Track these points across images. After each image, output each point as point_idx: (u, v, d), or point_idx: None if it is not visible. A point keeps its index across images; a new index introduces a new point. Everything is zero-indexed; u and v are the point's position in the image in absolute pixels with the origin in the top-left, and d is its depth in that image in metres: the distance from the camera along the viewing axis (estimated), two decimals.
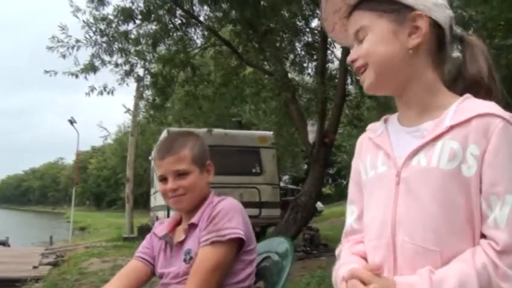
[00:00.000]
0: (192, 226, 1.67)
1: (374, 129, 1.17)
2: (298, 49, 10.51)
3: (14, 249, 13.18)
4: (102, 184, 54.23)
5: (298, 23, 10.02)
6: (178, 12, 9.07)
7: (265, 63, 9.91)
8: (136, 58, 9.08)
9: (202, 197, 1.71)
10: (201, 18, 9.33)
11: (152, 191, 13.87)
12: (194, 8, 9.17)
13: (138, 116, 13.80)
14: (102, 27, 8.63)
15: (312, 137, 9.08)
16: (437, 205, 0.96)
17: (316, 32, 10.21)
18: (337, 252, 1.22)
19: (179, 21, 9.17)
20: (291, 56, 10.48)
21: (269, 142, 11.38)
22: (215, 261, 1.56)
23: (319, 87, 8.80)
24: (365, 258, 1.10)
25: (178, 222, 1.79)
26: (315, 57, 10.20)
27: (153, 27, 8.97)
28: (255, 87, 10.44)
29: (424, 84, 1.05)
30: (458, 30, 1.09)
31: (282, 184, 17.10)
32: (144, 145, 23.79)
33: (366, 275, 0.96)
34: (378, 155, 1.10)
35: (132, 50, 8.97)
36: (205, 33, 9.59)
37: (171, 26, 9.05)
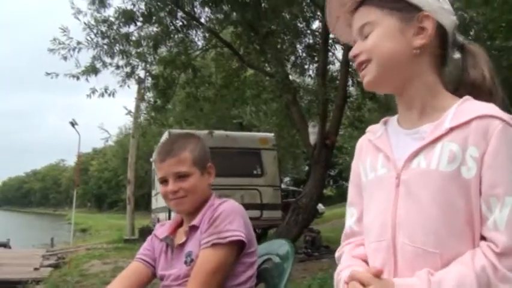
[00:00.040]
0: (193, 228, 1.67)
1: (374, 131, 1.17)
2: (299, 51, 10.53)
3: (15, 251, 13.16)
4: (103, 186, 54.24)
5: (299, 24, 10.03)
6: (180, 14, 9.07)
7: (266, 65, 9.92)
8: (137, 60, 9.08)
9: (204, 199, 1.71)
10: (202, 20, 9.35)
11: (153, 192, 13.87)
12: (195, 10, 9.17)
13: (139, 117, 13.79)
14: (104, 29, 8.64)
15: (313, 138, 9.07)
16: (437, 207, 0.96)
17: (317, 33, 10.22)
18: (337, 255, 1.22)
19: (180, 23, 9.18)
20: (292, 58, 10.48)
21: (270, 144, 11.38)
22: (216, 263, 1.55)
23: (320, 89, 8.79)
24: (366, 261, 1.10)
25: (180, 224, 1.79)
26: (316, 59, 10.20)
27: (154, 29, 8.98)
28: (256, 89, 10.44)
29: (425, 85, 1.05)
30: (460, 37, 1.10)
31: (283, 186, 17.07)
32: (145, 147, 23.79)
33: (366, 277, 0.96)
34: (377, 157, 1.10)
35: (133, 52, 8.97)
36: (207, 35, 9.60)
37: (172, 28, 9.06)
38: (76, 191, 18.77)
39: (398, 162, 1.04)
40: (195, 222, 1.66)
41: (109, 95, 8.94)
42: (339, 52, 10.20)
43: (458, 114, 0.99)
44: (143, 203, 27.61)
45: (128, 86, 9.24)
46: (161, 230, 1.80)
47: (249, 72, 10.58)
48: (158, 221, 10.92)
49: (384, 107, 9.30)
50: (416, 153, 1.01)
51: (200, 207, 1.69)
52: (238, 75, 10.06)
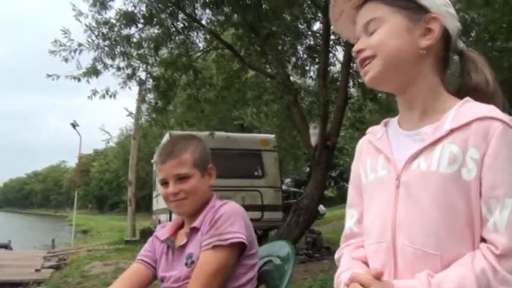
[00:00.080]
0: (194, 230, 1.67)
1: (374, 132, 1.17)
2: (300, 52, 10.52)
3: (16, 252, 13.16)
4: (104, 187, 54.21)
5: (300, 26, 10.03)
6: (181, 16, 9.08)
7: (267, 66, 9.92)
8: (138, 62, 9.09)
9: (204, 201, 1.71)
10: (203, 22, 9.35)
11: (154, 194, 13.87)
12: (196, 11, 9.18)
13: (140, 119, 13.83)
14: (105, 31, 8.65)
15: (314, 139, 9.07)
16: (437, 209, 0.96)
17: (318, 35, 10.22)
18: (336, 256, 1.22)
19: (181, 25, 9.18)
20: (293, 59, 10.48)
21: (271, 145, 11.38)
22: (217, 265, 1.55)
23: (321, 90, 8.79)
24: (366, 263, 1.10)
25: (180, 226, 1.79)
26: (316, 60, 10.20)
27: (155, 31, 8.98)
28: (257, 90, 10.44)
29: (428, 86, 1.05)
30: (460, 44, 1.11)
31: (284, 187, 17.09)
32: (146, 148, 23.79)
33: (366, 279, 0.96)
34: (378, 159, 1.10)
35: (134, 54, 8.98)
36: (208, 36, 9.60)
37: (173, 29, 9.07)
38: (77, 193, 18.78)
39: (398, 163, 1.04)
40: (196, 224, 1.66)
41: (110, 96, 8.96)
42: (339, 53, 10.21)
43: (458, 116, 0.99)
44: (144, 205, 27.62)
45: (129, 88, 9.27)
46: (162, 232, 1.80)
47: (250, 74, 10.58)
48: (159, 222, 10.91)
49: (385, 108, 9.30)
50: (416, 155, 1.01)
51: (201, 208, 1.69)
52: (239, 76, 10.06)
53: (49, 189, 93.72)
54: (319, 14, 9.55)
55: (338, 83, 9.66)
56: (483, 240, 0.95)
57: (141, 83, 10.02)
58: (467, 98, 1.03)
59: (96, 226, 31.06)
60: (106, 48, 8.69)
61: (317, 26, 10.35)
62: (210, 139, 9.68)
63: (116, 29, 8.66)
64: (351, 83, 9.84)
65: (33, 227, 41.19)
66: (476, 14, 7.12)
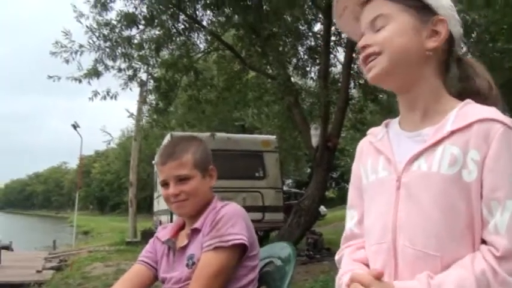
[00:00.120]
0: (195, 231, 1.66)
1: (375, 133, 1.17)
2: (301, 53, 10.52)
3: (17, 254, 13.18)
4: (105, 188, 54.25)
5: (300, 27, 10.02)
6: (182, 17, 9.09)
7: (268, 67, 9.92)
8: (139, 63, 9.10)
9: (205, 202, 1.70)
10: (204, 23, 9.35)
11: (155, 195, 13.88)
12: (197, 12, 9.19)
13: (141, 120, 13.84)
14: (106, 32, 8.66)
15: (315, 140, 9.07)
16: (438, 210, 0.96)
17: (318, 36, 10.21)
18: (337, 257, 1.21)
19: (182, 26, 9.19)
20: (294, 60, 10.48)
21: (272, 146, 11.38)
22: (218, 266, 1.55)
23: (322, 91, 8.79)
24: (367, 265, 1.10)
25: (182, 227, 1.79)
26: (317, 61, 10.20)
27: (156, 32, 8.99)
28: (258, 91, 10.44)
29: (431, 88, 1.05)
30: (461, 50, 1.12)
31: (285, 188, 17.09)
32: (147, 149, 23.80)
33: (367, 279, 0.96)
34: (378, 160, 1.10)
35: (135, 55, 8.99)
36: (208, 37, 9.61)
37: (174, 30, 9.07)
38: (78, 194, 18.80)
39: (399, 164, 1.04)
40: (197, 225, 1.66)
41: (111, 97, 8.98)
42: (340, 54, 10.21)
43: (459, 118, 0.99)
44: (145, 206, 27.65)
45: (130, 89, 9.28)
46: (163, 233, 1.80)
47: (251, 75, 10.58)
48: (160, 223, 10.92)
49: (386, 109, 9.30)
50: (417, 156, 1.01)
51: (202, 210, 1.69)
52: (240, 77, 10.06)
53: (50, 190, 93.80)
54: (320, 15, 9.55)
55: (339, 84, 9.66)
56: (483, 241, 0.95)
57: (142, 84, 10.03)
58: (468, 100, 1.03)
59: (97, 227, 31.10)
60: (107, 50, 8.71)
61: (318, 27, 10.36)
62: (211, 140, 9.69)
63: (116, 31, 8.67)
64: (352, 84, 9.85)
65: (35, 228, 41.22)
66: (477, 15, 7.11)
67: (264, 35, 8.55)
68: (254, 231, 1.69)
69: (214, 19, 9.37)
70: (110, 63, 8.82)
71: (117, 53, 8.78)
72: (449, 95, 1.07)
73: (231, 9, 8.66)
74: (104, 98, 8.91)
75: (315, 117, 10.02)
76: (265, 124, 14.79)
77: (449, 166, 0.96)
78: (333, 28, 9.49)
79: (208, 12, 9.18)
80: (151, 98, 10.44)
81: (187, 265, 1.63)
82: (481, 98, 1.05)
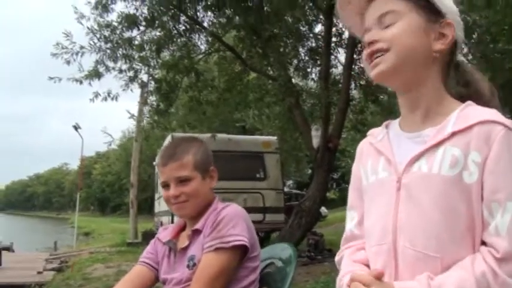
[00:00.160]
0: (196, 232, 1.66)
1: (375, 134, 1.17)
2: (302, 54, 10.52)
3: (18, 255, 13.19)
4: (106, 189, 54.25)
5: (301, 28, 10.03)
6: (182, 18, 9.10)
7: (269, 68, 9.92)
8: (140, 64, 9.10)
9: (206, 203, 1.70)
10: (205, 24, 9.36)
11: (156, 196, 13.88)
12: (198, 14, 9.20)
13: (142, 121, 13.83)
14: (107, 33, 8.67)
15: (316, 142, 9.06)
16: (438, 211, 0.96)
17: (319, 37, 10.22)
18: (337, 258, 1.22)
19: (183, 27, 9.20)
20: (295, 61, 10.48)
21: (273, 147, 11.38)
22: (218, 267, 1.55)
23: (322, 92, 8.78)
24: (368, 266, 1.10)
25: (183, 228, 1.79)
26: (318, 62, 10.20)
27: (157, 33, 9.01)
28: (259, 92, 10.44)
29: (433, 89, 1.05)
30: (461, 55, 1.12)
31: (286, 189, 17.08)
32: (148, 150, 23.81)
33: (367, 279, 0.96)
34: (379, 161, 1.10)
35: (136, 56, 9.00)
36: (209, 39, 9.62)
37: (175, 32, 9.08)
38: (79, 195, 18.80)
39: (399, 165, 1.04)
40: (198, 226, 1.66)
41: (112, 99, 8.98)
42: (341, 55, 10.22)
43: (460, 119, 0.99)
44: (146, 207, 27.65)
45: (131, 90, 9.29)
46: (164, 234, 1.80)
47: (252, 76, 10.58)
48: (161, 224, 10.93)
49: (387, 110, 9.30)
50: (417, 157, 1.01)
51: (203, 211, 1.69)
52: (241, 78, 10.06)
53: (51, 191, 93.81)
54: (321, 16, 9.56)
55: (340, 85, 9.65)
56: (483, 243, 0.96)
57: (143, 85, 10.03)
58: (469, 102, 1.04)
59: (98, 228, 31.12)
60: (108, 51, 8.72)
61: (319, 28, 10.36)
62: (212, 141, 9.70)
63: (117, 32, 8.68)
64: (352, 85, 9.85)
65: (35, 229, 41.23)
66: (478, 16, 7.12)
67: (265, 36, 8.56)
68: (255, 233, 1.69)
69: (215, 20, 9.39)
70: (110, 64, 8.84)
71: (118, 54, 8.79)
72: (450, 97, 1.07)
73: (231, 10, 8.67)
74: (105, 99, 8.93)
75: (316, 118, 10.01)
76: (266, 125, 14.79)
77: (450, 167, 0.96)
78: (333, 29, 9.51)
79: (209, 13, 9.20)
80: (152, 99, 10.46)
81: (188, 266, 1.63)
82: (483, 102, 1.05)
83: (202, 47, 9.94)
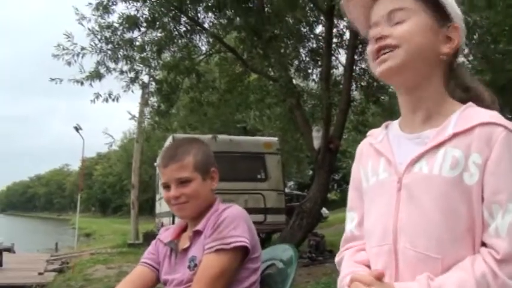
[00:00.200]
0: (197, 233, 1.66)
1: (375, 135, 1.17)
2: (303, 55, 10.53)
3: (19, 256, 13.19)
4: (107, 190, 54.31)
5: (302, 29, 10.04)
6: (183, 19, 9.11)
7: (270, 69, 9.93)
8: (141, 65, 9.11)
9: (207, 204, 1.70)
10: (206, 25, 9.38)
11: (157, 197, 13.89)
12: (199, 15, 9.21)
13: (143, 122, 13.82)
14: (108, 34, 8.68)
15: (317, 143, 9.06)
16: (439, 212, 0.96)
17: (320, 38, 10.23)
18: (337, 259, 1.22)
19: (184, 29, 9.22)
20: (296, 62, 10.49)
21: (274, 148, 11.38)
22: (219, 268, 1.55)
23: (323, 93, 8.79)
24: (368, 267, 1.10)
25: (184, 229, 1.79)
26: (319, 63, 10.21)
27: (158, 34, 9.01)
28: (260, 93, 10.45)
29: (436, 91, 1.05)
30: (460, 59, 1.12)
31: (287, 190, 17.08)
32: (149, 151, 23.83)
33: (367, 279, 0.96)
34: (379, 162, 1.10)
35: (137, 57, 9.01)
36: (210, 40, 9.63)
37: (176, 33, 9.09)
38: (80, 196, 18.80)
39: (399, 166, 1.04)
40: (199, 227, 1.66)
41: (113, 100, 8.99)
42: (342, 56, 10.22)
43: (461, 121, 0.99)
44: (147, 208, 27.65)
45: (132, 91, 9.30)
46: (165, 235, 1.80)
47: (253, 77, 10.59)
48: (162, 225, 10.92)
49: (388, 111, 9.31)
50: (418, 158, 1.01)
51: (204, 212, 1.69)
52: (241, 79, 10.07)
53: (52, 192, 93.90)
54: (322, 17, 9.57)
55: (341, 86, 9.67)
56: (483, 244, 0.96)
57: (144, 86, 10.03)
58: (470, 103, 1.04)
59: (99, 229, 31.12)
60: (109, 52, 8.73)
61: (319, 29, 10.37)
62: (213, 142, 9.70)
63: (118, 33, 8.70)
64: (353, 86, 9.85)
65: (37, 230, 41.26)
66: (479, 17, 7.12)
67: (266, 37, 8.56)
68: (256, 234, 1.69)
69: (216, 21, 9.41)
70: (111, 65, 8.85)
71: (119, 56, 8.81)
72: (451, 99, 1.07)
73: (232, 11, 8.68)
74: (106, 100, 8.93)
75: (317, 119, 10.02)
76: (267, 126, 14.80)
77: (451, 169, 0.96)
78: (334, 30, 9.52)
79: (210, 14, 9.22)
80: (153, 100, 10.47)
81: (189, 267, 1.63)
82: (484, 107, 1.05)
83: (203, 48, 9.97)
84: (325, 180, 9.25)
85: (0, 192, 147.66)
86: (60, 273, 9.43)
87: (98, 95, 8.88)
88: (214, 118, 11.32)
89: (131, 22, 8.55)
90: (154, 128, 11.01)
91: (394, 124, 1.15)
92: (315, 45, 10.43)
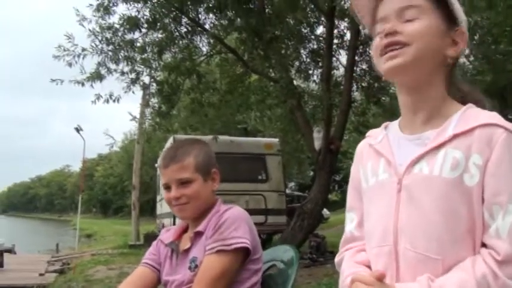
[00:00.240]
0: (198, 234, 1.66)
1: (374, 135, 1.17)
2: (304, 56, 10.52)
3: (20, 257, 13.19)
4: (108, 191, 54.31)
5: (303, 30, 10.04)
6: (184, 20, 9.11)
7: (271, 70, 9.93)
8: (142, 66, 9.11)
9: (208, 205, 1.70)
10: (207, 26, 9.38)
11: (158, 198, 13.89)
12: (200, 16, 9.21)
13: (144, 123, 13.83)
14: (108, 35, 8.68)
15: (317, 143, 9.06)
16: (439, 213, 0.96)
17: (321, 39, 10.23)
18: (337, 260, 1.22)
19: (185, 30, 9.21)
20: (296, 63, 10.49)
21: (275, 149, 11.38)
22: (220, 269, 1.55)
23: (324, 94, 8.79)
24: (369, 267, 1.10)
25: (185, 230, 1.79)
26: (320, 64, 10.20)
27: (159, 35, 9.01)
28: (261, 94, 10.45)
29: (438, 93, 1.05)
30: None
31: (288, 191, 17.07)
32: (150, 152, 23.84)
33: (368, 280, 0.96)
34: (379, 162, 1.10)
35: (138, 58, 9.00)
36: (211, 41, 9.63)
37: (177, 34, 9.09)
38: (81, 197, 18.81)
39: (399, 167, 1.04)
40: (200, 228, 1.66)
41: (114, 101, 8.98)
42: (343, 57, 10.22)
43: (461, 122, 0.99)
44: (148, 209, 27.63)
45: (133, 92, 9.28)
46: (167, 235, 1.80)
47: (254, 78, 10.59)
48: (163, 226, 10.92)
49: (389, 112, 9.31)
50: (418, 159, 1.01)
51: (205, 213, 1.68)
52: (242, 80, 10.07)
53: (53, 193, 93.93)
54: (322, 18, 9.57)
55: (341, 87, 9.66)
56: (483, 245, 0.96)
57: (144, 87, 10.03)
58: (470, 104, 1.04)
59: (100, 230, 31.12)
60: (110, 53, 8.73)
61: (320, 30, 10.37)
62: (214, 143, 9.70)
63: (119, 34, 8.70)
64: (354, 87, 9.85)
65: (37, 231, 41.28)
66: (480, 17, 7.12)
67: (267, 38, 8.56)
68: (257, 235, 1.68)
69: (216, 22, 9.40)
70: (112, 66, 8.84)
71: (120, 57, 8.81)
72: (452, 100, 1.07)
73: (233, 12, 8.68)
74: (107, 101, 8.92)
75: (318, 120, 10.01)
76: (267, 127, 14.81)
77: (451, 170, 0.96)
78: (335, 31, 9.52)
79: (211, 15, 9.22)
80: (154, 101, 10.47)
81: (189, 268, 1.63)
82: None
83: (204, 49, 9.96)
84: (326, 181, 9.25)
85: (1, 193, 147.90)
86: (61, 274, 9.43)
87: (98, 96, 8.88)
88: (215, 119, 11.32)
89: (132, 23, 8.55)
90: (155, 129, 11.00)
91: (394, 125, 1.15)
92: (315, 46, 10.43)
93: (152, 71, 9.39)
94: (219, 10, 8.65)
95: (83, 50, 8.59)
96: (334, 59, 9.92)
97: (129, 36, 8.79)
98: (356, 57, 9.29)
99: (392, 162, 1.06)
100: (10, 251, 13.84)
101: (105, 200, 57.09)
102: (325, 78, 9.15)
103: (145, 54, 9.00)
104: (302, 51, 10.42)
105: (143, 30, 8.81)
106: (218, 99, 9.98)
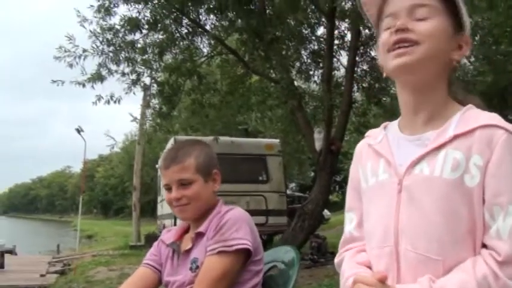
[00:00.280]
0: (199, 235, 1.66)
1: (373, 135, 1.17)
2: (304, 57, 10.53)
3: (21, 258, 13.20)
4: (109, 192, 54.32)
5: (304, 31, 10.04)
6: (185, 21, 9.12)
7: (271, 71, 9.93)
8: (143, 67, 9.11)
9: (209, 206, 1.70)
10: (208, 27, 9.38)
11: (159, 199, 13.89)
12: (200, 17, 9.22)
13: (145, 124, 13.84)
14: (109, 37, 8.68)
15: (318, 144, 9.07)
16: (440, 214, 0.96)
17: (322, 39, 10.24)
18: (336, 260, 1.22)
19: (185, 31, 9.22)
20: (297, 64, 10.49)
21: (275, 150, 11.38)
22: (221, 270, 1.55)
23: (325, 95, 8.80)
24: (370, 268, 1.10)
25: (186, 230, 1.78)
26: (321, 65, 10.21)
27: (160, 36, 9.01)
28: (261, 95, 10.46)
29: (440, 95, 1.06)
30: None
31: (288, 192, 17.06)
32: (151, 153, 23.85)
33: (370, 281, 0.96)
34: (379, 163, 1.10)
35: (138, 59, 9.01)
36: (212, 42, 9.63)
37: (178, 35, 9.09)
38: (82, 198, 18.83)
39: (400, 168, 1.04)
40: (201, 228, 1.66)
41: (115, 102, 8.98)
42: (343, 58, 10.23)
43: (462, 122, 1.00)
44: (149, 210, 27.62)
45: (134, 93, 9.28)
46: (168, 236, 1.80)
47: (254, 79, 10.59)
48: (164, 227, 10.92)
49: (389, 112, 9.30)
50: (419, 160, 1.01)
51: (206, 213, 1.68)
52: (243, 81, 10.08)
53: (54, 194, 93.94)
54: (323, 19, 9.57)
55: (342, 88, 9.67)
56: (484, 246, 0.96)
57: (145, 88, 10.03)
58: (470, 105, 1.04)
59: (101, 231, 31.11)
60: (111, 54, 8.73)
61: (321, 30, 10.38)
62: (215, 144, 9.70)
63: (120, 35, 8.70)
64: (355, 88, 9.86)
65: (38, 232, 41.30)
66: (481, 18, 7.12)
67: (267, 39, 8.56)
68: (258, 236, 1.68)
69: (217, 23, 9.41)
70: (113, 67, 8.84)
71: (121, 58, 8.81)
72: (453, 101, 1.07)
73: (234, 13, 8.68)
74: (108, 102, 8.93)
75: (319, 121, 10.02)
76: (268, 128, 14.81)
77: (452, 171, 0.96)
78: (336, 32, 9.52)
79: (212, 16, 9.22)
80: (154, 102, 10.47)
81: (190, 269, 1.63)
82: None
83: (205, 50, 9.95)
84: (327, 182, 9.25)
85: (2, 194, 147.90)
86: (62, 275, 9.44)
87: (99, 97, 8.88)
88: (215, 120, 11.34)
89: (133, 24, 8.55)
90: (156, 130, 11.01)
91: (393, 125, 1.15)
92: (316, 47, 10.43)
93: (153, 72, 9.40)
94: (220, 11, 8.65)
95: (84, 51, 8.60)
96: (334, 59, 9.93)
97: (129, 37, 8.80)
98: (357, 58, 9.29)
99: (392, 162, 1.06)
100: (11, 252, 13.84)
101: (106, 201, 57.09)
102: (325, 79, 9.16)
103: (146, 55, 9.00)
104: (303, 52, 10.43)
105: (144, 31, 8.81)
106: (219, 100, 9.99)
